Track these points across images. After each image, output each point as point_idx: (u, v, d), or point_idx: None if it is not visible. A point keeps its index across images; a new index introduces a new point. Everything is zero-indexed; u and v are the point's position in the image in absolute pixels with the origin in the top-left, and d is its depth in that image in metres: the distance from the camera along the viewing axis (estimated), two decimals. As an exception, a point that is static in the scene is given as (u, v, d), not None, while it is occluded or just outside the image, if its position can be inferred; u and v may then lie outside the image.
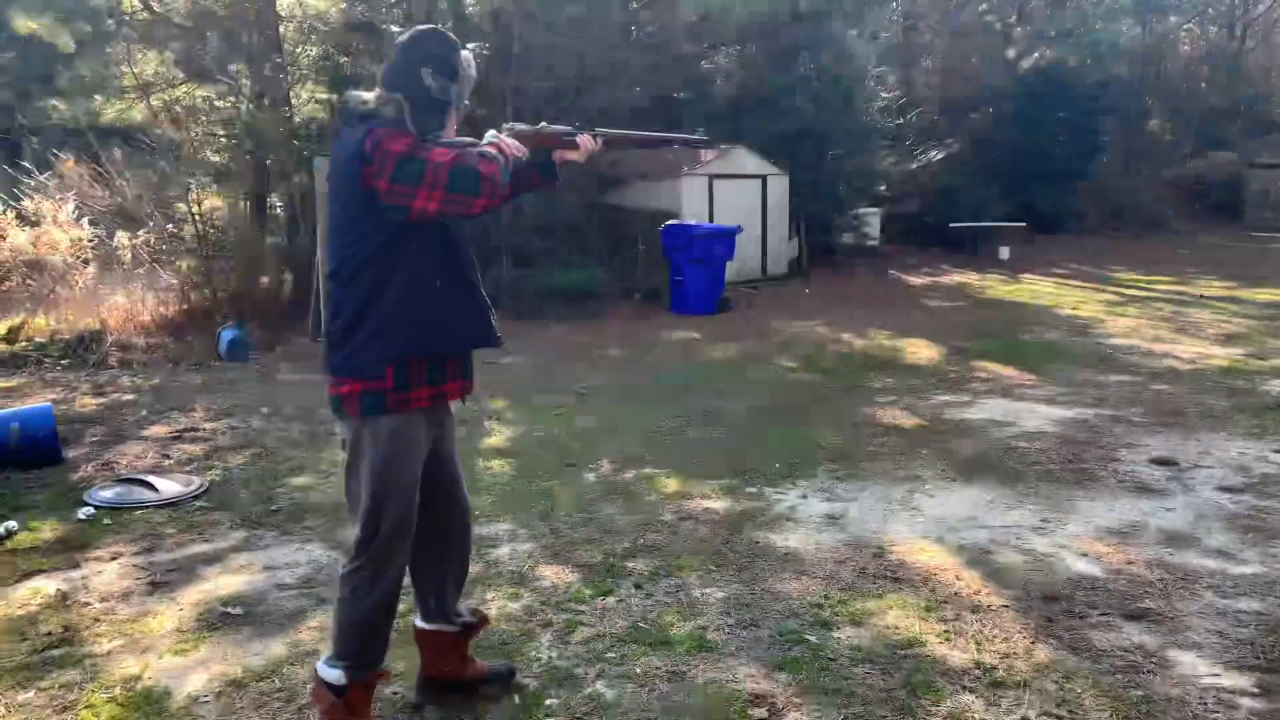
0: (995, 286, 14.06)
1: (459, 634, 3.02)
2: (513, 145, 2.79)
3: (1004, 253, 18.11)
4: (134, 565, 4.07)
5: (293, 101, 10.29)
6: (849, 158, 15.11)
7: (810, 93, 13.95)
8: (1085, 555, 3.99)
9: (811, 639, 3.31)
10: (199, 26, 9.62)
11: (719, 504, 4.71)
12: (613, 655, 3.23)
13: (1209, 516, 4.40)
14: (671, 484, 5.04)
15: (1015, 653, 3.19)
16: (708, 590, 3.73)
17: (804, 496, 4.80)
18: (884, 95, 16.34)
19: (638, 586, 3.77)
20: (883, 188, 16.51)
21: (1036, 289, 13.77)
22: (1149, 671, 3.06)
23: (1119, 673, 3.05)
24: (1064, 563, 3.91)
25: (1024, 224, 19.59)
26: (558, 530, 4.39)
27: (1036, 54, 16.47)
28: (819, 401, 6.88)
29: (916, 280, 14.98)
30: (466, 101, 2.83)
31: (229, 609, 3.63)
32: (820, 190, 14.87)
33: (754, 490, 4.91)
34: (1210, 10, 30.83)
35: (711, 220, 12.42)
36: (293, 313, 9.66)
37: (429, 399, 2.74)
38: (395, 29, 10.32)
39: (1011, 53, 17.01)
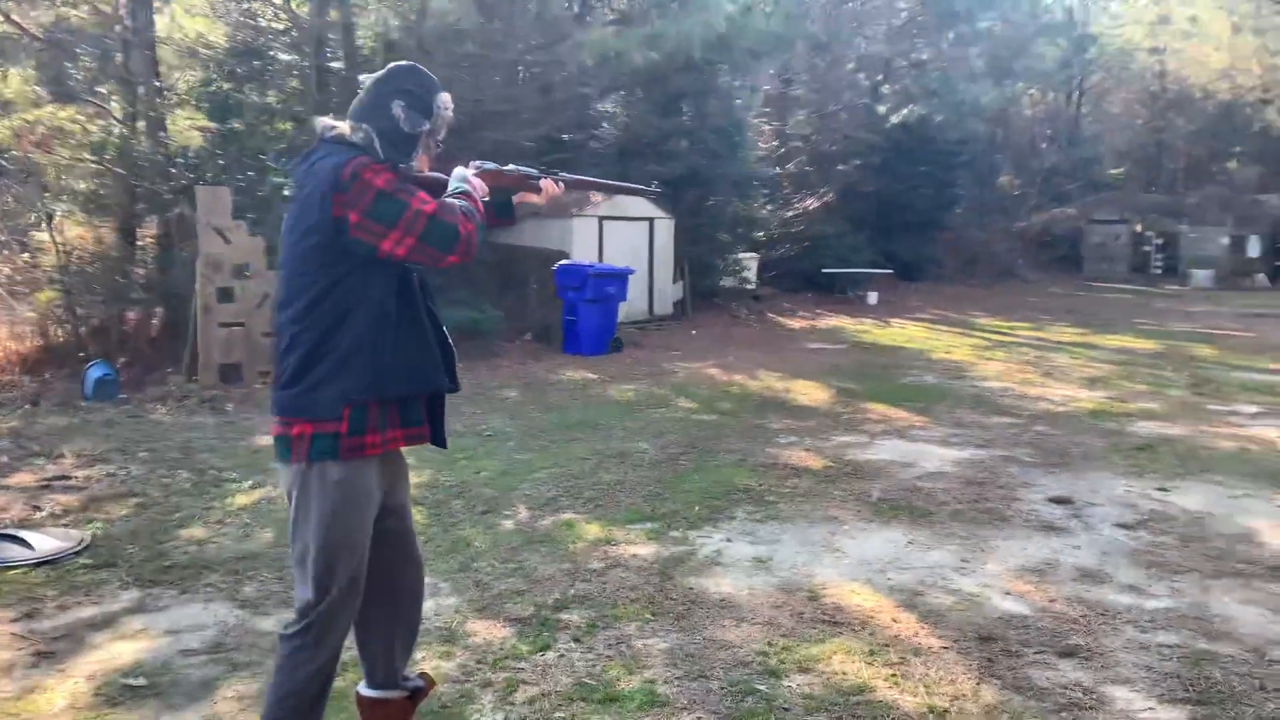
0: (870, 330, 14.56)
1: (407, 699, 2.83)
2: (480, 187, 2.71)
3: (872, 298, 18.85)
4: (12, 634, 3.66)
5: (169, 127, 9.76)
6: (730, 204, 15.45)
7: (694, 139, 14.23)
8: (1009, 594, 4.09)
9: (762, 688, 3.26)
10: (66, 44, 9.03)
11: (645, 549, 4.62)
12: (561, 715, 3.09)
13: (1113, 553, 4.60)
14: (593, 529, 4.92)
15: (963, 694, 3.21)
16: (649, 641, 3.63)
17: (728, 540, 4.77)
18: (761, 145, 16.83)
19: (576, 640, 3.63)
20: (760, 234, 16.94)
21: (908, 333, 14.33)
22: (1090, 708, 3.13)
23: (1063, 710, 3.11)
24: (991, 602, 4.00)
25: (890, 270, 20.48)
26: (482, 582, 4.21)
27: (905, 110, 17.33)
28: (724, 442, 6.91)
29: (795, 323, 15.38)
30: (440, 142, 2.73)
31: (130, 680, 3.30)
32: (702, 234, 15.15)
33: (678, 534, 4.85)
34: (1051, 78, 33.13)
35: (601, 260, 12.43)
36: (166, 349, 9.08)
37: (383, 445, 2.57)
38: (285, 56, 9.98)
39: (882, 109, 17.84)
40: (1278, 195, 31.21)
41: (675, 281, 14.70)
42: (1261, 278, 25.51)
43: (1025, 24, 28.16)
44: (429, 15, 8.97)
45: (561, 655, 3.51)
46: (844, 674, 3.36)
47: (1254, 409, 8.31)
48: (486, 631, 3.72)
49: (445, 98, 2.65)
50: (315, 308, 2.46)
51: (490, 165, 2.87)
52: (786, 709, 3.13)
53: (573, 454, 6.51)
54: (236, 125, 9.94)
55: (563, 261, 11.22)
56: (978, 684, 3.29)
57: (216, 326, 8.34)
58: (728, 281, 15.81)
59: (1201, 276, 25.44)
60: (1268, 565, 4.40)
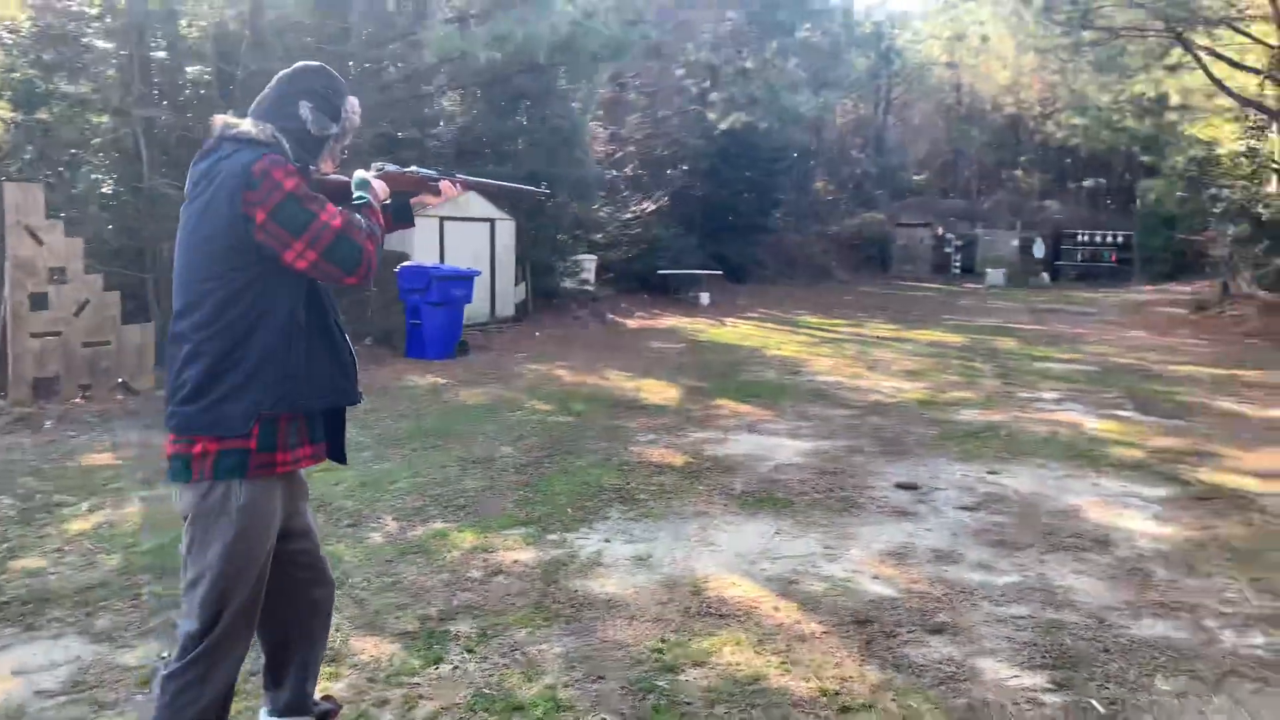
0: (706, 330, 14.97)
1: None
2: (381, 191, 2.65)
3: (704, 298, 19.39)
4: None
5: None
6: (569, 206, 15.50)
7: (534, 141, 14.19)
8: (876, 578, 4.33)
9: (662, 684, 3.32)
10: None
11: (524, 554, 4.61)
12: (466, 725, 3.05)
13: (960, 534, 4.95)
14: (468, 537, 4.85)
15: (850, 676, 3.39)
16: (542, 646, 3.63)
17: (606, 540, 4.81)
18: (598, 149, 16.99)
19: (469, 650, 3.59)
20: (599, 235, 17.09)
21: (742, 331, 14.83)
22: (965, 680, 3.37)
23: (942, 684, 3.34)
24: (861, 586, 4.23)
25: (720, 272, 21.12)
26: (360, 598, 4.08)
27: (733, 117, 17.91)
28: (584, 443, 6.95)
29: (634, 324, 15.60)
30: (345, 148, 2.67)
31: (-18, 724, 3.01)
32: (542, 236, 15.14)
33: (555, 537, 4.85)
34: (862, 89, 35.04)
35: (442, 262, 12.20)
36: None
37: (293, 463, 2.47)
38: (100, 44, 9.24)
39: (712, 115, 18.37)
40: (1057, 201, 34.30)
41: (517, 284, 14.62)
42: (1045, 276, 27.89)
43: (839, 35, 29.69)
44: (267, 7, 8.54)
45: (456, 667, 3.46)
46: (737, 664, 3.47)
47: (1056, 395, 9.11)
48: (373, 648, 3.61)
49: (354, 102, 2.60)
50: (221, 315, 2.33)
51: (391, 167, 2.80)
52: (689, 703, 3.20)
53: (433, 461, 6.38)
54: (43, 116, 9.13)
55: (405, 264, 10.94)
56: (861, 665, 3.47)
57: (29, 337, 7.63)
58: (568, 283, 15.86)
59: (995, 275, 27.55)
60: (1094, 539, 4.86)
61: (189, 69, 9.75)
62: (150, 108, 9.12)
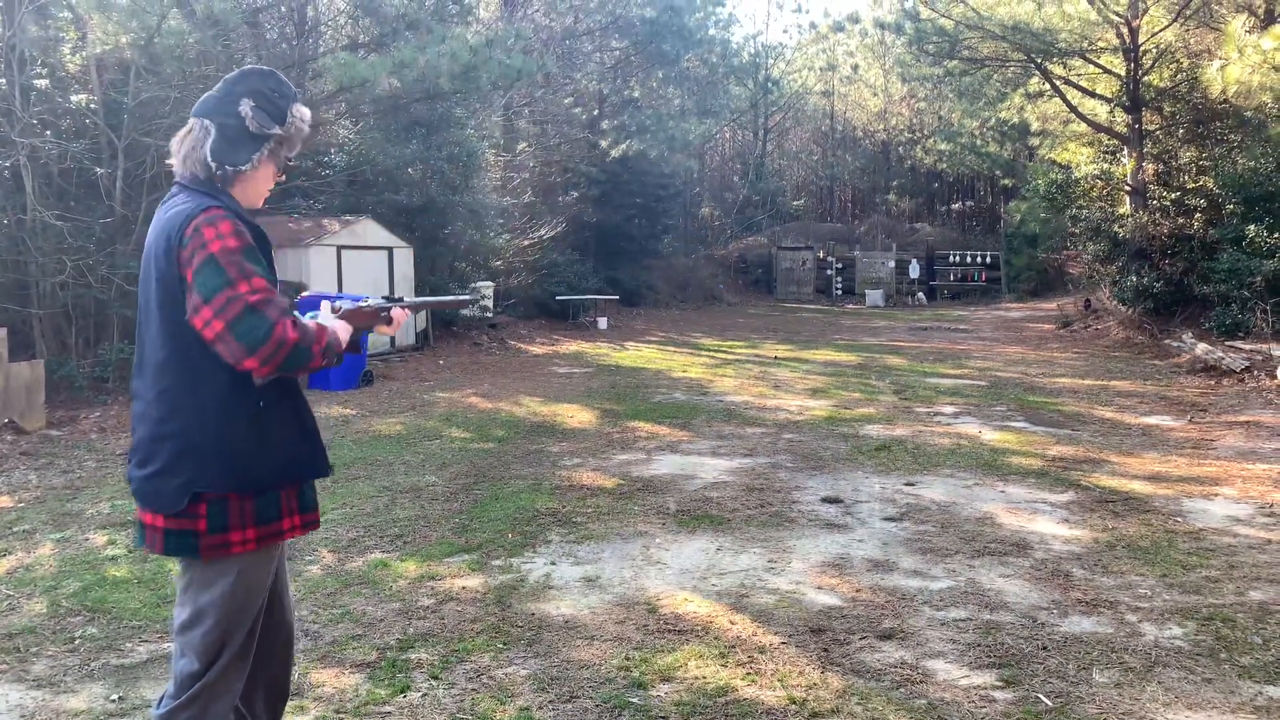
0: (609, 354, 15.09)
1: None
2: (339, 334, 2.44)
3: (602, 322, 19.54)
4: None
5: None
6: (466, 233, 15.43)
7: (430, 168, 14.09)
8: (820, 588, 4.50)
9: (635, 701, 3.39)
10: None
11: (472, 581, 4.59)
12: (448, 752, 3.05)
13: (890, 543, 5.18)
14: (410, 566, 4.81)
15: (814, 683, 3.52)
16: (509, 670, 3.64)
17: (552, 563, 4.84)
18: (493, 176, 16.98)
19: (434, 677, 3.57)
20: (498, 262, 17.05)
21: (644, 354, 15.01)
22: (920, 682, 3.55)
23: (899, 687, 3.51)
24: (808, 597, 4.38)
25: (616, 296, 21.34)
26: (311, 631, 4.00)
27: (624, 144, 18.20)
28: (510, 469, 6.94)
29: (537, 349, 15.60)
30: (290, 159, 2.56)
31: (-71, 785, 2.84)
32: (440, 263, 15.02)
33: (500, 563, 4.85)
34: (741, 117, 36.04)
35: (340, 291, 11.96)
36: None
37: (258, 541, 2.33)
38: None
39: (604, 143, 18.61)
40: (929, 224, 36.00)
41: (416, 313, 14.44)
42: (921, 296, 29.19)
43: (718, 65, 30.49)
44: (163, 33, 8.24)
45: (425, 694, 3.44)
46: (704, 678, 3.56)
47: (953, 409, 9.58)
48: (334, 680, 3.56)
49: (304, 111, 2.50)
50: (160, 378, 2.27)
51: (347, 302, 2.68)
52: (664, 717, 3.27)
53: (360, 492, 6.27)
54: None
55: (305, 294, 10.69)
56: (823, 672, 3.61)
57: (-94, 374, 7.15)
58: (468, 311, 15.74)
59: (875, 296, 28.68)
60: (1012, 544, 5.16)
61: (74, 97, 9.32)
62: (32, 137, 8.69)
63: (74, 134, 9.38)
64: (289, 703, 3.34)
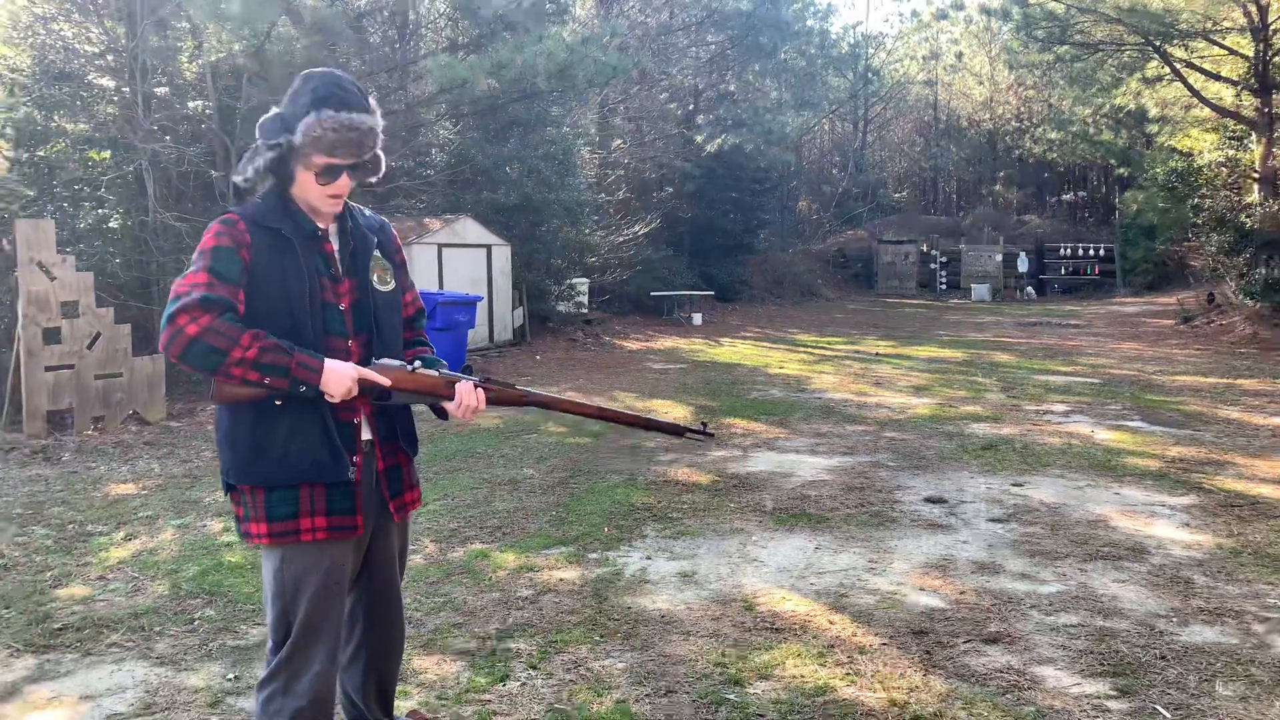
0: (704, 350, 15.04)
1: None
2: (333, 372, 2.32)
3: (697, 318, 19.50)
4: (-103, 718, 3.24)
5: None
6: (562, 230, 15.59)
7: (527, 167, 14.28)
8: (923, 590, 4.38)
9: (732, 698, 3.35)
10: None
11: (569, 573, 4.63)
12: (545, 743, 3.07)
13: (997, 545, 5.01)
14: (509, 557, 4.87)
15: (917, 686, 3.43)
16: (605, 662, 3.65)
17: (648, 558, 4.84)
18: (588, 173, 17.11)
19: (533, 667, 3.61)
20: (593, 259, 17.18)
21: (740, 350, 14.91)
22: (1028, 689, 3.42)
23: (1007, 693, 3.39)
24: (909, 599, 4.27)
25: (711, 292, 21.26)
26: (414, 619, 4.08)
27: (720, 139, 18.10)
28: (606, 463, 6.97)
29: (632, 345, 15.66)
30: (342, 163, 2.38)
31: (61, 754, 3.00)
32: (536, 260, 15.20)
33: (597, 556, 4.88)
34: (841, 108, 35.47)
35: (441, 288, 12.23)
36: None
37: (269, 536, 2.39)
38: (102, 81, 9.26)
39: (699, 138, 18.56)
40: (1038, 216, 34.78)
41: (514, 308, 14.66)
42: (1031, 290, 28.21)
43: (817, 56, 30.07)
44: (273, 40, 8.58)
45: (523, 684, 3.48)
46: (802, 677, 3.51)
47: (1064, 408, 9.22)
48: (436, 668, 3.62)
49: (333, 116, 2.32)
50: None
51: (394, 364, 2.48)
52: (761, 715, 3.23)
53: (461, 484, 6.39)
54: (43, 153, 9.11)
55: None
56: (925, 675, 3.51)
57: (43, 370, 7.59)
58: (563, 307, 15.91)
59: (981, 290, 27.86)
60: (1127, 548, 4.93)
61: (191, 104, 9.76)
62: (154, 142, 9.13)
63: (191, 139, 9.81)
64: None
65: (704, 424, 2.82)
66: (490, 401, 2.54)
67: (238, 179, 2.44)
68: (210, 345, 2.19)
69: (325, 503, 2.40)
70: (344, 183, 2.42)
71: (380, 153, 2.47)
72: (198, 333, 2.19)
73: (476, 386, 2.51)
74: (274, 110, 2.42)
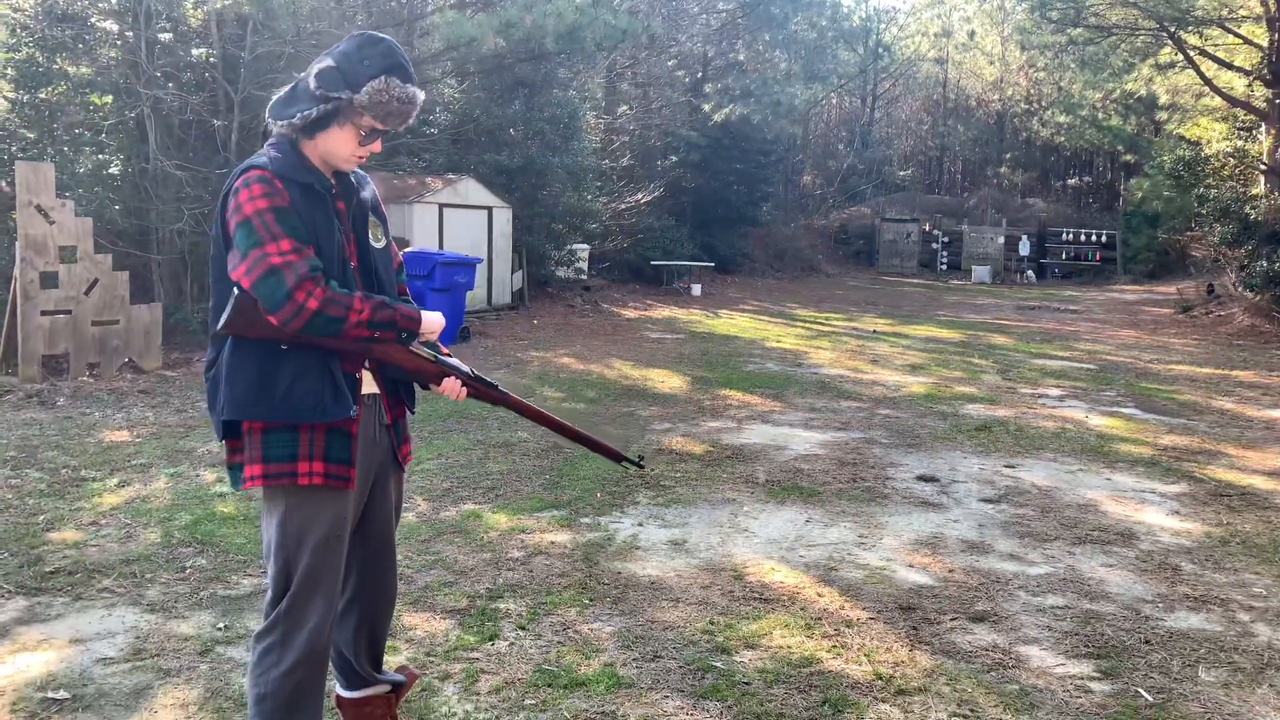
0: (701, 321, 15.02)
1: (390, 694, 2.77)
2: (429, 322, 2.46)
3: (696, 289, 19.46)
4: (-113, 654, 3.25)
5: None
6: (565, 194, 15.50)
7: (531, 129, 14.17)
8: (912, 566, 4.40)
9: (718, 665, 3.37)
10: None
11: (560, 536, 4.64)
12: (532, 702, 3.09)
13: (987, 525, 5.04)
14: (501, 519, 4.89)
15: (902, 661, 3.45)
16: (594, 625, 3.67)
17: (640, 524, 4.86)
18: (593, 138, 16.98)
19: (522, 628, 3.63)
20: (594, 225, 17.10)
21: (737, 323, 14.90)
22: (1012, 667, 3.45)
23: (990, 670, 3.41)
24: (898, 574, 4.30)
25: (712, 264, 21.19)
26: (405, 576, 4.10)
27: (727, 109, 17.94)
28: (600, 429, 6.94)
29: (630, 313, 15.63)
30: (380, 131, 2.42)
31: (50, 694, 3.01)
32: (537, 224, 15.13)
33: (589, 521, 4.89)
34: (850, 83, 35.18)
35: (441, 249, 12.17)
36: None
37: (263, 478, 2.38)
38: (105, 25, 9.15)
39: (706, 107, 18.40)
40: (1042, 199, 34.66)
41: (514, 271, 14.61)
42: (1030, 274, 28.17)
43: (828, 28, 29.76)
44: (276, -12, 8.49)
45: (512, 644, 3.50)
46: (789, 647, 3.53)
47: (1058, 392, 9.24)
48: (426, 624, 3.64)
49: (401, 88, 2.36)
50: (213, 321, 2.39)
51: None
52: (747, 683, 3.26)
53: (455, 444, 6.40)
54: (44, 96, 9.01)
55: (408, 249, 10.91)
56: (911, 650, 3.54)
57: (39, 315, 7.56)
58: (562, 272, 15.86)
59: (981, 272, 27.81)
60: (1117, 533, 4.95)
61: (195, 51, 9.65)
62: (156, 89, 9.03)
63: (194, 87, 9.71)
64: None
65: (640, 456, 2.92)
66: (470, 396, 2.61)
67: (281, 123, 2.38)
68: (331, 316, 2.25)
69: (324, 448, 2.39)
70: (375, 146, 2.47)
71: None
72: (318, 306, 2.23)
73: (462, 385, 2.55)
74: (329, 62, 2.38)
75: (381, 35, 2.48)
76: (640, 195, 17.73)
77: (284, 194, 2.31)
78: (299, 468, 2.37)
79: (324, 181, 2.43)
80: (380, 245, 2.58)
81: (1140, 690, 3.28)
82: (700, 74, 22.20)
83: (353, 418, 2.41)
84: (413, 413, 2.74)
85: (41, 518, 4.64)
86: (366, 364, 2.49)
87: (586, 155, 16.48)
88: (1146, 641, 3.66)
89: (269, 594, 2.47)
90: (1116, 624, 3.81)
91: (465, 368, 2.59)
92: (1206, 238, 18.43)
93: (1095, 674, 3.40)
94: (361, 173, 2.67)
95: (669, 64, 22.21)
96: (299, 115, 2.36)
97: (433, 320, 2.48)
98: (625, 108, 20.89)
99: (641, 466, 3.00)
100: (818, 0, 27.34)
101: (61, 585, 3.85)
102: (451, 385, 2.52)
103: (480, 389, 2.59)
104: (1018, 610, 3.93)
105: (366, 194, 2.59)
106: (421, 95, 2.45)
